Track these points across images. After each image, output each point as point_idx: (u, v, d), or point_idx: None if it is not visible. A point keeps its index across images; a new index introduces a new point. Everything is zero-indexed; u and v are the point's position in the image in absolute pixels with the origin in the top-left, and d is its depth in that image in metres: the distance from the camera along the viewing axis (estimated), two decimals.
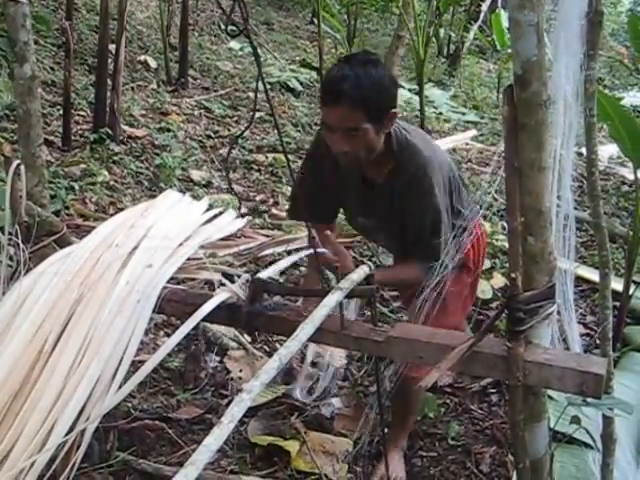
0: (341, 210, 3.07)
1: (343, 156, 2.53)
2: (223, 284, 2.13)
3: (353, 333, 1.99)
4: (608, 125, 4.18)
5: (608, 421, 2.33)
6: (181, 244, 2.40)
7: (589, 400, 1.78)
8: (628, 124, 3.92)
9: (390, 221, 2.75)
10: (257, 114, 7.29)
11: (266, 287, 2.10)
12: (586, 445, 2.78)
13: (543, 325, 1.76)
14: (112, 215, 3.14)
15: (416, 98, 8.34)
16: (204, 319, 2.10)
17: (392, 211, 2.71)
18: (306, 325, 1.70)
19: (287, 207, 3.06)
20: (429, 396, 3.45)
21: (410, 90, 10.23)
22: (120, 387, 1.93)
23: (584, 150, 2.31)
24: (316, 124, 8.07)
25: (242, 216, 2.76)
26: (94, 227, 2.59)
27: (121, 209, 4.44)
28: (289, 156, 6.54)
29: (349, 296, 1.94)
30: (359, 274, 1.99)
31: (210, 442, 1.33)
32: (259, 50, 1.98)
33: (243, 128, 7.28)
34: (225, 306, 2.05)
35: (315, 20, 11.26)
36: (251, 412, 3.31)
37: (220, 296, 2.03)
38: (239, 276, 2.12)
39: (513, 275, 1.68)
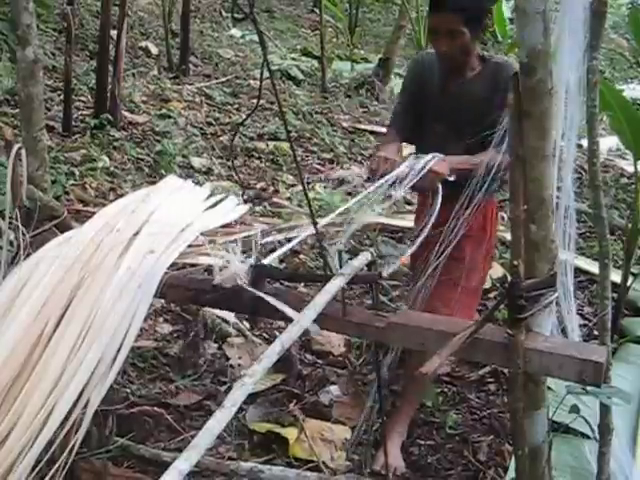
0: None
1: (443, 56, 2.97)
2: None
3: (354, 319, 1.99)
4: (609, 116, 4.18)
5: (605, 411, 2.34)
6: (183, 230, 2.40)
7: (588, 388, 1.78)
8: (629, 115, 3.92)
9: (463, 125, 2.99)
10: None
11: (268, 272, 2.10)
12: (583, 435, 2.80)
13: (544, 313, 1.76)
14: (112, 201, 3.13)
15: None
16: (206, 304, 2.10)
17: (467, 114, 3.00)
18: (308, 311, 1.70)
19: (389, 121, 3.43)
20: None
21: None
22: (120, 373, 1.93)
23: (583, 142, 2.31)
24: (317, 112, 8.06)
25: (245, 202, 2.76)
26: (94, 212, 2.58)
27: (121, 195, 4.44)
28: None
29: (351, 283, 1.94)
30: (361, 260, 1.99)
31: (212, 426, 1.33)
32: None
33: (244, 116, 7.27)
34: (227, 291, 2.05)
35: (317, 9, 11.23)
36: (250, 399, 3.31)
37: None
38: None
39: (515, 263, 1.68)
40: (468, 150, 2.87)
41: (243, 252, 2.20)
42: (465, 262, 2.97)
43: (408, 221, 4.93)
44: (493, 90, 2.91)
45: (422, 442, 3.25)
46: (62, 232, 2.41)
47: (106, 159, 5.58)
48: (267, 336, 3.91)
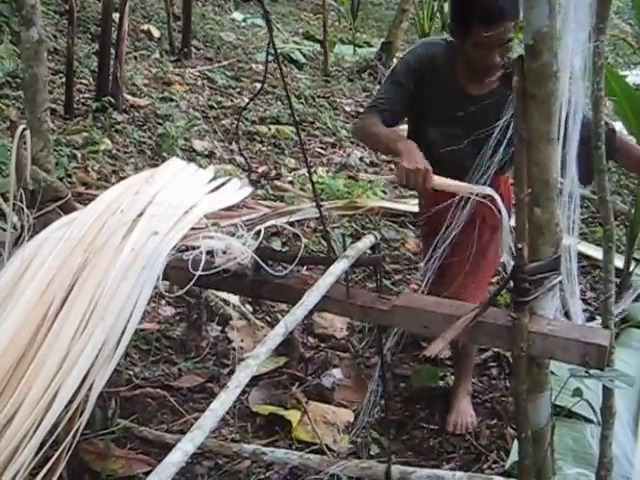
0: None
1: (489, 67, 2.73)
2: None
3: (358, 302, 1.99)
4: (612, 101, 4.17)
5: (608, 394, 2.34)
6: (186, 212, 2.40)
7: (591, 371, 1.78)
8: (633, 100, 3.91)
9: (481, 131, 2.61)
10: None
11: (271, 255, 2.10)
12: (585, 419, 2.80)
13: (548, 296, 1.76)
14: (114, 184, 3.13)
15: None
16: (209, 286, 2.10)
17: (487, 121, 2.56)
18: (312, 293, 1.70)
19: (370, 102, 3.10)
20: (430, 368, 3.47)
21: None
22: (123, 355, 1.93)
23: None
24: (319, 96, 8.04)
25: (251, 182, 2.76)
26: (96, 195, 2.58)
27: (123, 178, 4.42)
28: (293, 128, 6.52)
29: (355, 265, 1.94)
30: (365, 243, 1.99)
31: (216, 407, 1.34)
32: (263, 22, 1.97)
33: (246, 99, 7.26)
34: (231, 274, 2.05)
35: None
36: (252, 382, 3.32)
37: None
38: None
39: (519, 246, 1.68)
40: (475, 156, 2.64)
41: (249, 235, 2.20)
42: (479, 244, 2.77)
43: (410, 205, 4.94)
44: None
45: (425, 425, 3.26)
46: (66, 213, 2.41)
47: (108, 142, 5.56)
48: (269, 319, 3.92)
